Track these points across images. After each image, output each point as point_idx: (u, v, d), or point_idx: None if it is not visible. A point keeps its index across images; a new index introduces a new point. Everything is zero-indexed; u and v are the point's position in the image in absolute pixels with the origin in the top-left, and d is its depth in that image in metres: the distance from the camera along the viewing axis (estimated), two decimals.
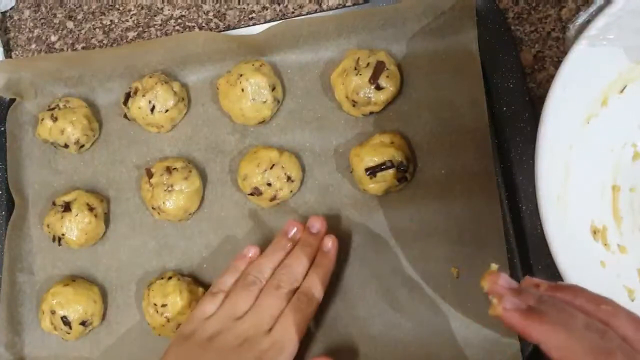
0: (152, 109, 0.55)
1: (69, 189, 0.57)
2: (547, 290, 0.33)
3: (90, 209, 0.55)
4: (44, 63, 0.59)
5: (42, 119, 0.57)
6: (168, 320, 0.51)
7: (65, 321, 0.52)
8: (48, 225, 0.56)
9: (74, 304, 0.53)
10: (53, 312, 0.53)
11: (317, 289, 0.48)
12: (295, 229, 0.51)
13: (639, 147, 0.47)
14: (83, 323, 0.53)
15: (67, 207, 0.55)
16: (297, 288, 0.48)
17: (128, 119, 0.58)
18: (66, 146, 0.57)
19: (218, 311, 0.47)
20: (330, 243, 0.49)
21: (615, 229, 0.46)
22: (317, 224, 0.50)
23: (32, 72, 0.59)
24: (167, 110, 0.56)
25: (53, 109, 0.58)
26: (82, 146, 0.58)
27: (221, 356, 0.44)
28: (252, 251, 0.51)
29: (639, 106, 0.46)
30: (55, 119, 0.57)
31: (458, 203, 0.51)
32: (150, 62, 0.58)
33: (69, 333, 0.53)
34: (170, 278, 0.52)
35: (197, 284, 0.53)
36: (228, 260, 0.54)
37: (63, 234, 0.54)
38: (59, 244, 0.55)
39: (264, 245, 0.54)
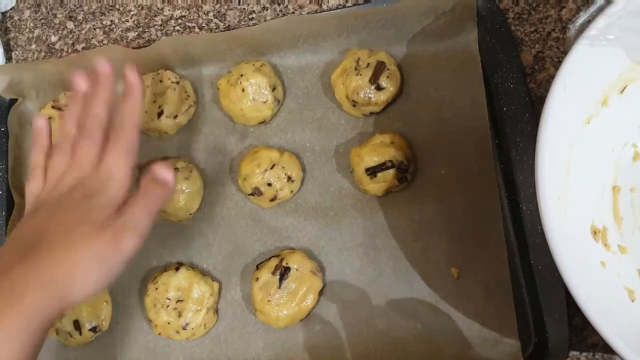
0: (160, 114, 0.55)
1: None
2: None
3: None
4: (45, 66, 0.59)
5: (49, 117, 0.57)
6: (179, 315, 0.51)
7: (77, 325, 0.52)
8: None
9: (85, 306, 0.52)
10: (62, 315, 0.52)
11: (128, 119, 0.46)
12: (81, 79, 0.47)
13: (639, 147, 0.47)
14: (94, 329, 0.53)
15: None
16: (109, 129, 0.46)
17: None
18: None
19: (44, 185, 0.46)
20: (131, 73, 0.47)
21: (615, 230, 0.46)
22: (103, 65, 0.47)
23: (34, 74, 0.59)
24: (176, 117, 0.55)
25: (60, 108, 0.57)
26: None
27: (52, 207, 0.43)
28: (41, 121, 0.49)
29: (639, 106, 0.46)
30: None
31: (458, 203, 0.51)
32: (151, 63, 0.58)
33: (72, 337, 0.53)
34: (177, 269, 0.52)
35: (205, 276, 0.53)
36: (228, 261, 0.54)
37: None
38: None
39: (262, 243, 0.54)
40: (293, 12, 0.60)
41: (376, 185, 0.51)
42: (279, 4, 0.60)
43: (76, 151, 0.45)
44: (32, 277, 0.39)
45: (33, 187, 0.46)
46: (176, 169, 0.54)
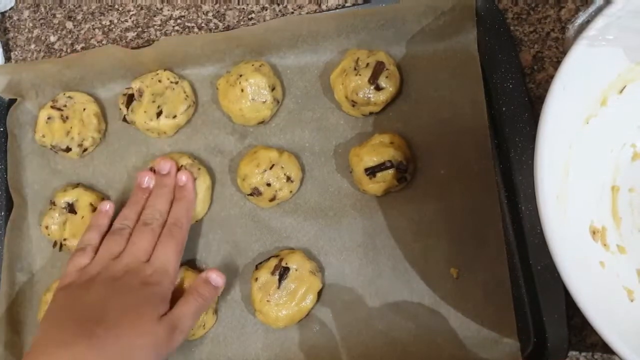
0: (159, 114, 0.55)
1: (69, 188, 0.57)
2: None
3: (94, 210, 0.55)
4: (45, 65, 0.59)
5: (49, 117, 0.57)
6: None
7: None
8: (47, 227, 0.55)
9: None
10: None
11: (183, 218, 0.51)
12: (147, 177, 0.53)
13: (638, 147, 0.47)
14: None
15: (71, 209, 0.54)
16: (164, 224, 0.50)
17: (127, 122, 0.58)
18: (68, 149, 0.57)
19: (93, 260, 0.48)
20: (184, 176, 0.52)
21: (614, 230, 0.46)
22: (165, 165, 0.53)
23: (33, 74, 0.59)
24: (175, 117, 0.55)
25: (60, 109, 0.57)
26: (85, 150, 0.58)
27: (107, 287, 0.45)
28: (107, 205, 0.53)
29: (638, 106, 0.46)
30: (65, 119, 0.56)
31: (458, 203, 0.51)
32: (151, 63, 0.58)
33: None
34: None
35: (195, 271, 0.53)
36: (228, 261, 0.54)
37: (65, 239, 0.54)
38: (60, 249, 0.55)
39: (262, 244, 0.54)
40: (292, 12, 0.60)
41: (375, 186, 0.51)
42: (278, 4, 0.60)
43: (133, 239, 0.49)
44: (96, 351, 0.40)
45: (80, 262, 0.48)
46: (183, 167, 0.54)
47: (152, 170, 0.54)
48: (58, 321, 0.43)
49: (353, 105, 0.53)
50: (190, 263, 0.55)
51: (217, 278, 0.49)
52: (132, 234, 0.49)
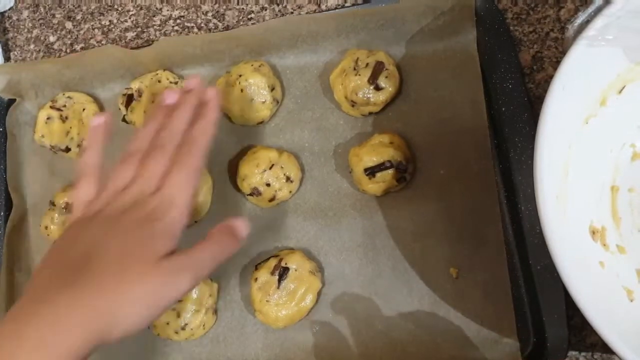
0: None
1: (68, 188, 0.57)
2: None
3: None
4: (44, 66, 0.59)
5: (48, 118, 0.57)
6: (178, 315, 0.51)
7: None
8: (46, 227, 0.55)
9: None
10: None
11: (200, 138, 0.44)
12: (172, 94, 0.47)
13: (637, 147, 0.47)
14: None
15: (70, 209, 0.54)
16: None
17: (127, 122, 0.58)
18: (67, 150, 0.57)
19: (100, 193, 0.42)
20: (210, 93, 0.46)
21: (614, 230, 0.46)
22: (192, 81, 0.48)
23: (33, 74, 0.59)
24: None
25: (59, 109, 0.57)
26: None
27: (108, 223, 0.40)
28: (97, 120, 0.47)
29: (637, 106, 0.46)
30: (64, 119, 0.56)
31: (457, 203, 0.51)
32: (150, 63, 0.58)
33: None
34: None
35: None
36: (227, 261, 0.54)
37: None
38: None
39: (261, 244, 0.54)
40: (292, 12, 0.60)
41: (375, 186, 0.51)
42: (278, 4, 0.60)
43: (144, 164, 0.43)
44: (78, 309, 0.35)
45: (82, 194, 0.43)
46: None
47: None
48: (48, 268, 0.38)
49: (353, 105, 0.53)
50: None
51: (241, 226, 0.42)
52: (144, 158, 0.43)
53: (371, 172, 0.50)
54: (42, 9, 0.67)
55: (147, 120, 0.46)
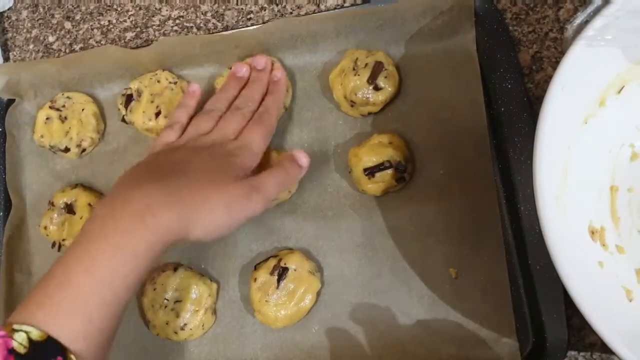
0: (157, 115, 0.55)
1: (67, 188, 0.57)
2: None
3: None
4: (43, 66, 0.59)
5: (48, 118, 0.57)
6: (177, 315, 0.51)
7: None
8: (46, 228, 0.55)
9: None
10: None
11: (273, 108, 0.51)
12: (244, 68, 0.53)
13: (636, 147, 0.47)
14: None
15: (69, 209, 0.54)
16: (255, 112, 0.51)
17: (126, 122, 0.58)
18: (67, 150, 0.57)
19: (182, 136, 0.49)
20: (279, 73, 0.53)
21: (613, 230, 0.46)
22: (261, 61, 0.53)
23: (32, 74, 0.59)
24: None
25: (58, 109, 0.57)
26: (84, 150, 0.58)
27: (194, 150, 0.46)
28: (194, 86, 0.53)
29: (636, 106, 0.46)
30: (64, 119, 0.56)
31: (456, 203, 0.51)
32: (149, 63, 0.57)
33: None
34: (176, 269, 0.52)
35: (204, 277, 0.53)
36: (227, 262, 0.54)
37: (64, 240, 0.54)
38: (59, 250, 0.55)
39: (261, 244, 0.54)
40: (291, 13, 0.60)
41: (374, 186, 0.51)
42: (277, 4, 0.60)
43: (223, 120, 0.50)
44: (169, 198, 0.40)
45: (166, 137, 0.49)
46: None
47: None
48: (136, 173, 0.44)
49: (352, 106, 0.53)
50: (188, 263, 0.55)
51: (303, 157, 0.48)
52: (222, 117, 0.50)
53: (370, 172, 0.50)
54: (41, 9, 0.67)
55: (222, 88, 0.53)
